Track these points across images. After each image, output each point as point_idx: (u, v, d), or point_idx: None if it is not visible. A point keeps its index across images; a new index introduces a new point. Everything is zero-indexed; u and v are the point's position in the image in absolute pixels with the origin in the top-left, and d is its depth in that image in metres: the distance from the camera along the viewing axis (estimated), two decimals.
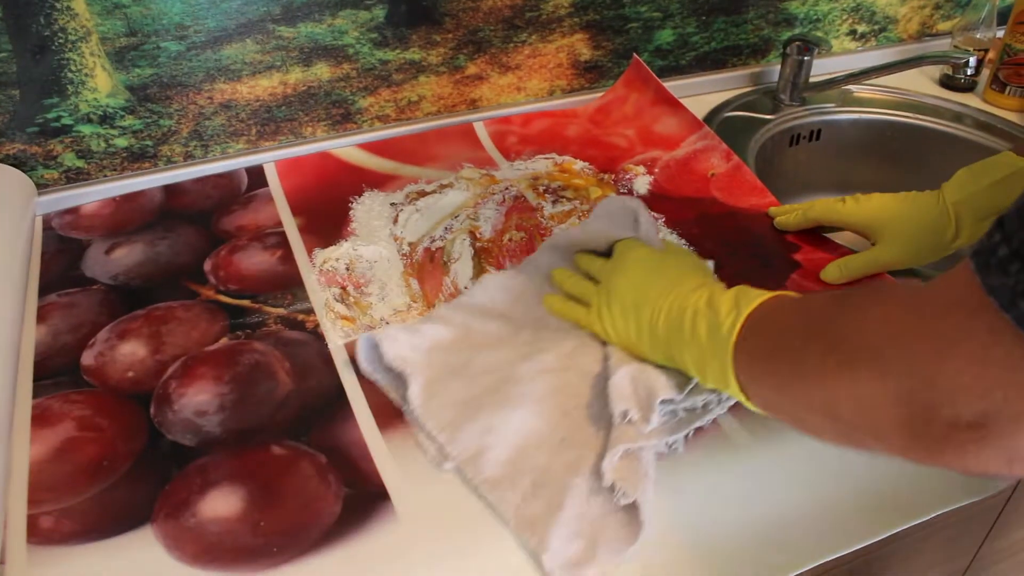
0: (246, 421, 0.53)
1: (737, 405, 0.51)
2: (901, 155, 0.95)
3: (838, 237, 0.69)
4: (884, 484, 0.51)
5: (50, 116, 0.73)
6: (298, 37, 0.77)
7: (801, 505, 0.49)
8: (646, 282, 0.50)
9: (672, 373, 0.48)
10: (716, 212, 0.73)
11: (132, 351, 0.59)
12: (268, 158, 0.81)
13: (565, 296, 0.57)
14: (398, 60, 0.83)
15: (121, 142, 0.77)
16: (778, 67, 0.93)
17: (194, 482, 0.49)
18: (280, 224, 0.72)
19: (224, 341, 0.60)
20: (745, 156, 0.83)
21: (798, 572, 0.48)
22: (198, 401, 0.54)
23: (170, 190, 0.77)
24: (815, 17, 0.99)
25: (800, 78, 0.92)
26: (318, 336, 0.60)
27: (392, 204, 0.74)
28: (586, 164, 0.80)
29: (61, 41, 0.69)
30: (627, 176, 0.78)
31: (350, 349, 0.58)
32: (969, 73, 0.96)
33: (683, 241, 0.69)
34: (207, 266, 0.67)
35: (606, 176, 0.78)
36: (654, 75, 0.86)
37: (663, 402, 0.47)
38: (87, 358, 0.58)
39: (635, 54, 0.89)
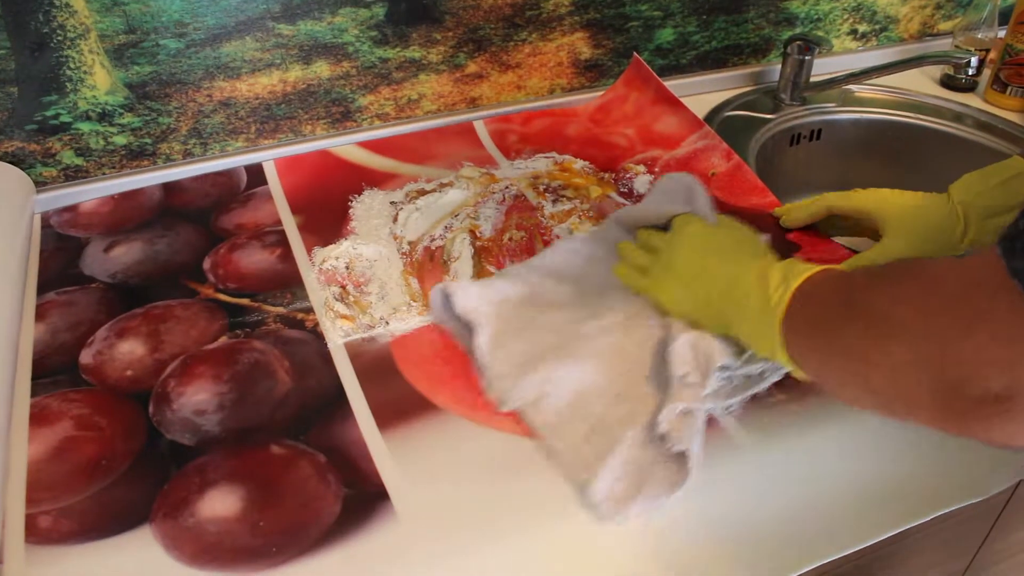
0: (245, 420, 0.53)
1: (735, 413, 0.51)
2: (902, 155, 0.95)
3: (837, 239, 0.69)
4: (884, 485, 0.51)
5: (49, 114, 0.72)
6: (298, 35, 0.77)
7: (800, 506, 0.49)
8: (702, 256, 0.53)
9: (730, 341, 0.51)
10: (717, 211, 0.72)
11: (131, 350, 0.58)
12: (267, 156, 0.81)
13: (629, 267, 0.60)
14: (398, 58, 0.82)
15: (120, 140, 0.76)
16: (779, 66, 0.93)
17: (193, 481, 0.49)
18: (279, 222, 0.72)
19: (223, 340, 0.59)
20: (746, 156, 0.83)
21: (798, 573, 0.48)
22: (197, 400, 0.54)
23: (169, 188, 0.77)
24: (816, 16, 0.98)
25: (801, 78, 0.91)
26: (318, 335, 0.60)
27: (392, 203, 0.74)
28: (586, 163, 0.80)
29: (60, 38, 0.69)
30: (627, 175, 0.78)
31: (350, 348, 0.58)
32: (971, 73, 0.96)
33: None
34: (206, 264, 0.67)
35: (606, 175, 0.78)
36: (654, 74, 0.86)
37: (721, 367, 0.49)
38: (85, 357, 0.58)
39: (635, 53, 0.89)
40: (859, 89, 0.96)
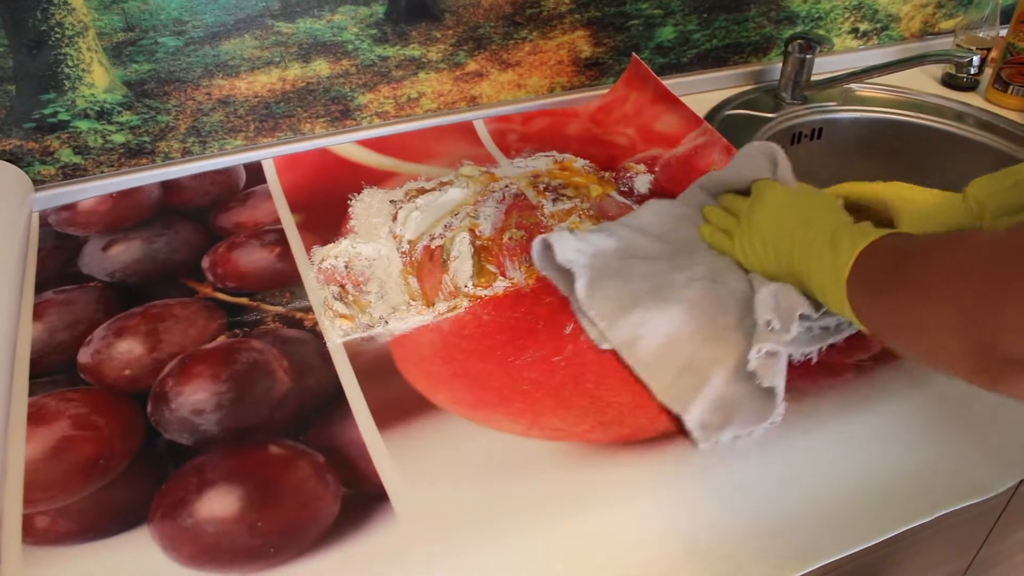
0: (244, 420, 0.53)
1: None
2: (903, 154, 0.95)
3: None
4: (885, 485, 0.51)
5: (47, 112, 0.72)
6: (297, 33, 0.77)
7: (802, 506, 0.49)
8: (783, 218, 0.57)
9: (807, 295, 0.54)
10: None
11: (129, 349, 0.58)
12: (266, 155, 0.81)
13: (713, 229, 0.64)
14: (398, 56, 0.82)
15: (118, 138, 0.76)
16: (780, 65, 0.93)
17: (191, 482, 0.49)
18: (278, 221, 0.72)
19: (222, 339, 0.59)
20: None
21: (799, 574, 0.47)
22: (195, 400, 0.54)
23: (168, 186, 0.77)
24: (817, 15, 0.98)
25: (802, 76, 0.91)
26: (317, 334, 0.59)
27: (391, 201, 0.73)
28: (587, 162, 0.80)
29: (58, 36, 0.68)
30: (628, 174, 0.78)
31: (349, 347, 0.58)
32: (972, 72, 0.96)
33: None
34: (205, 263, 0.67)
35: (607, 174, 0.78)
36: (653, 73, 0.86)
37: (801, 317, 0.53)
38: (83, 356, 0.58)
39: (634, 53, 0.88)
40: (860, 88, 0.96)
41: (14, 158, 0.73)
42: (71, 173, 0.76)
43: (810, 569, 0.47)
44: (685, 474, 0.49)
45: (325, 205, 0.73)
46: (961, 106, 0.94)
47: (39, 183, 0.75)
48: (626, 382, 0.55)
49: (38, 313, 0.62)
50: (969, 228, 0.59)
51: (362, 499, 0.48)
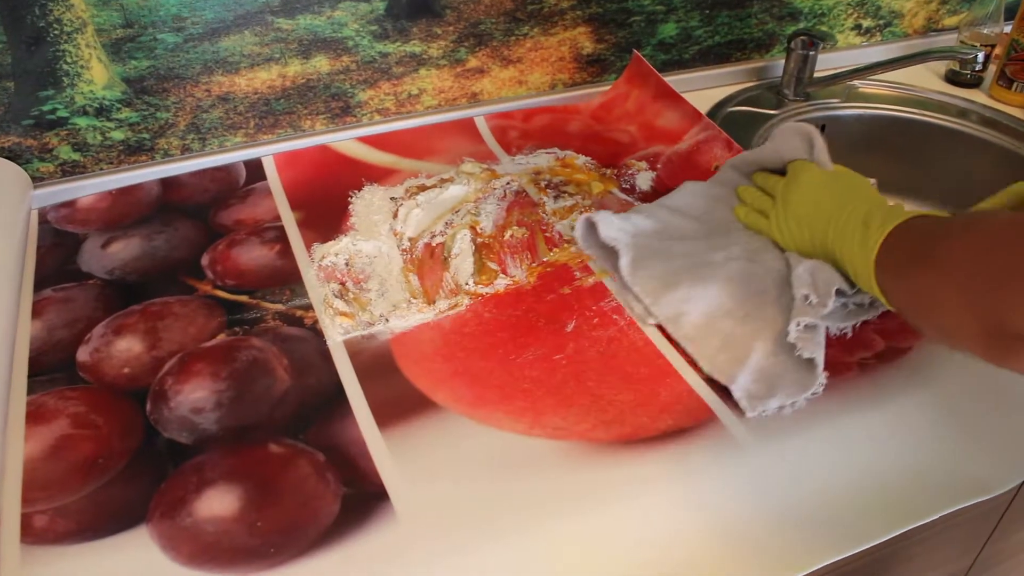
0: (243, 419, 0.52)
1: (738, 412, 0.52)
2: (906, 151, 0.95)
3: None
4: (888, 484, 0.50)
5: (45, 108, 0.72)
6: (297, 29, 0.76)
7: (802, 505, 0.49)
8: (819, 199, 0.58)
9: (842, 272, 0.56)
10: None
11: (128, 347, 0.58)
12: (266, 151, 0.80)
13: (749, 209, 0.66)
14: (398, 53, 0.82)
15: (117, 135, 0.76)
16: (782, 62, 0.93)
17: (190, 481, 0.48)
18: (278, 218, 0.71)
19: (221, 337, 0.59)
20: None
21: (802, 574, 0.47)
22: (195, 398, 0.54)
23: (167, 184, 0.76)
24: (820, 11, 0.98)
25: (804, 73, 0.91)
26: (317, 332, 0.59)
27: (392, 198, 0.73)
28: (588, 159, 0.79)
29: (56, 32, 0.68)
30: (630, 171, 0.77)
31: (349, 346, 0.58)
32: (976, 69, 0.95)
33: None
34: (205, 261, 0.67)
35: (608, 171, 0.78)
36: (654, 70, 0.85)
37: (838, 292, 0.55)
38: (82, 354, 0.57)
39: (636, 50, 0.88)
40: (863, 85, 0.96)
41: (13, 155, 0.73)
42: (70, 170, 0.76)
43: (813, 569, 0.47)
44: (685, 474, 0.49)
45: (325, 202, 0.73)
46: (965, 103, 0.93)
47: (38, 180, 0.75)
48: (628, 380, 0.55)
49: (37, 311, 0.61)
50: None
51: (362, 498, 0.48)
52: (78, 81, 0.71)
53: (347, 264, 0.65)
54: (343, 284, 0.63)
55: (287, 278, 0.64)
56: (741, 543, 0.47)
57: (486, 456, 0.50)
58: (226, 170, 0.78)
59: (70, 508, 0.47)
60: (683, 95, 0.84)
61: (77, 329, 0.60)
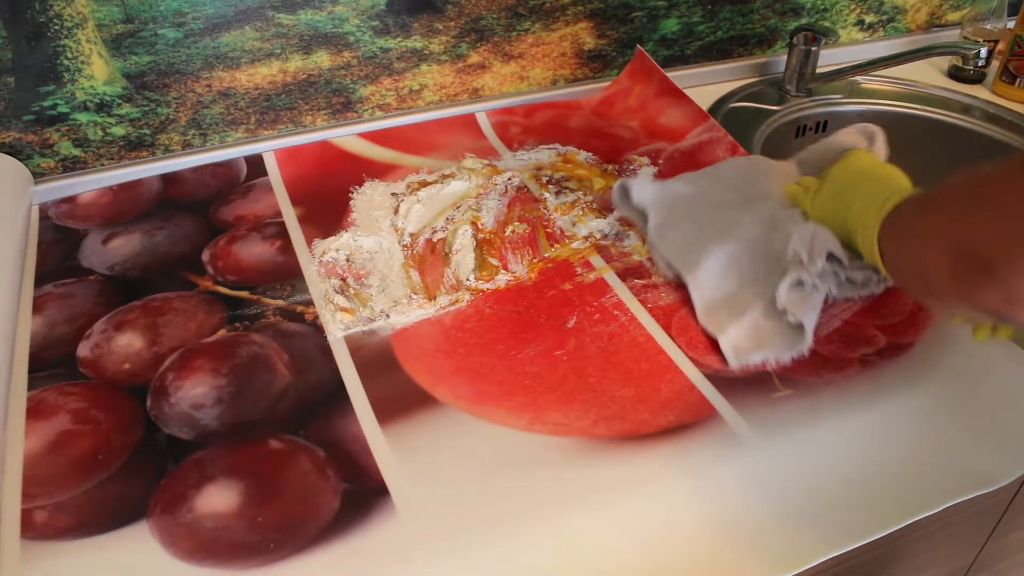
0: (244, 414, 0.52)
1: (739, 407, 0.52)
2: (908, 147, 0.94)
3: None
4: (890, 478, 0.50)
5: (46, 104, 0.72)
6: (298, 24, 0.76)
7: (803, 501, 0.49)
8: (859, 176, 0.59)
9: (847, 248, 0.58)
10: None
11: (129, 343, 0.58)
12: (267, 147, 0.80)
13: (798, 187, 0.67)
14: (399, 48, 0.81)
15: (118, 130, 0.76)
16: (785, 57, 0.92)
17: (190, 476, 0.48)
18: (279, 214, 0.71)
19: (222, 333, 0.59)
20: (751, 148, 0.82)
21: (802, 569, 0.47)
22: (195, 394, 0.54)
23: (168, 179, 0.76)
24: (822, 7, 0.97)
25: (807, 69, 0.90)
26: (317, 328, 0.59)
27: (393, 194, 0.73)
28: (590, 155, 0.79)
29: (57, 28, 0.68)
30: (631, 167, 0.77)
31: (350, 341, 0.58)
32: (979, 64, 0.95)
33: None
34: (205, 256, 0.66)
35: (610, 167, 0.77)
36: (658, 66, 0.85)
37: (829, 257, 0.57)
38: (83, 350, 0.57)
39: (639, 45, 0.88)
40: (866, 80, 0.95)
41: (13, 151, 0.73)
42: (71, 166, 0.76)
43: (814, 563, 0.47)
44: (687, 470, 0.49)
45: (326, 198, 0.73)
46: (968, 99, 0.93)
47: (39, 176, 0.75)
48: (629, 376, 0.55)
49: (37, 307, 0.61)
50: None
51: (362, 494, 0.47)
52: (79, 76, 0.71)
53: (348, 260, 0.65)
54: (344, 280, 0.63)
55: (288, 274, 0.64)
56: (742, 538, 0.47)
57: (487, 452, 0.50)
58: (227, 166, 0.78)
59: (70, 504, 0.47)
60: (685, 91, 0.84)
61: (78, 325, 0.59)
